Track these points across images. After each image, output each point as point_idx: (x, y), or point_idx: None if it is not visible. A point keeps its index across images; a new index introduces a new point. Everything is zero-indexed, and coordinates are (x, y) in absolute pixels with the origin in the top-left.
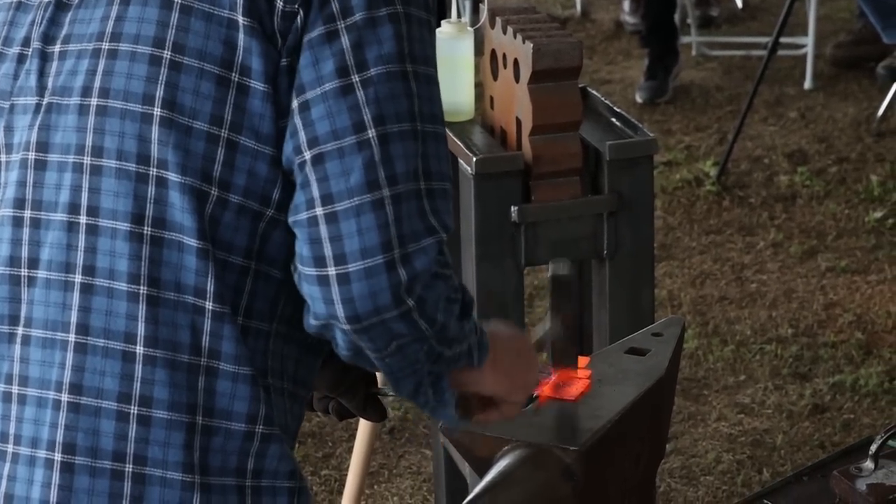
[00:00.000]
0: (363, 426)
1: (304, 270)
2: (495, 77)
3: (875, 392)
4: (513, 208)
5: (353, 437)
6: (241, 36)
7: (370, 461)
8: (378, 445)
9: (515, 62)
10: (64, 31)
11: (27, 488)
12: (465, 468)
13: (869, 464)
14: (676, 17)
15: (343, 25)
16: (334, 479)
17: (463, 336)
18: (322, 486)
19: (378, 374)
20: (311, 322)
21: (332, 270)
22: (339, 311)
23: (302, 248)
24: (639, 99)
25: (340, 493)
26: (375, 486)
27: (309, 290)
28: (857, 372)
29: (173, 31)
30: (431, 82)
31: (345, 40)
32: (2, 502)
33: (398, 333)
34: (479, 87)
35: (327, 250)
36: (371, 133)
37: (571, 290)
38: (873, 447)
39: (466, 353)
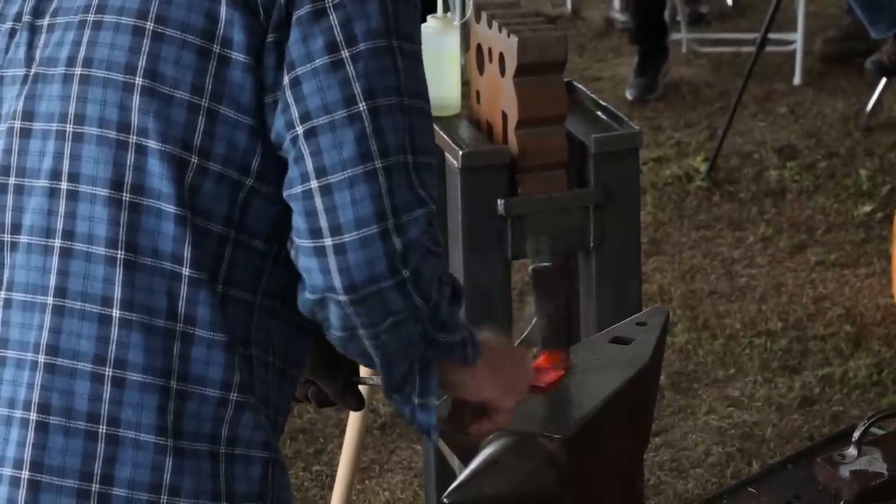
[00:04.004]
0: (353, 421)
1: (301, 243)
2: (481, 71)
3: (864, 384)
4: (499, 202)
5: (344, 432)
6: (223, 9)
7: (361, 456)
8: (369, 441)
9: (501, 56)
10: (53, 5)
11: (2, 447)
12: (455, 462)
13: (852, 451)
14: (666, 13)
15: (331, 3)
16: (325, 475)
17: (455, 323)
18: (313, 482)
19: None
20: (306, 297)
21: (328, 241)
22: (336, 281)
23: (298, 221)
24: (629, 96)
25: (331, 488)
26: (366, 482)
27: (305, 263)
28: (846, 364)
29: (157, 3)
30: (416, 59)
31: (333, 16)
32: None
33: (393, 307)
34: (466, 84)
35: (323, 222)
36: (362, 106)
37: (552, 280)
38: (856, 434)
39: (460, 344)
